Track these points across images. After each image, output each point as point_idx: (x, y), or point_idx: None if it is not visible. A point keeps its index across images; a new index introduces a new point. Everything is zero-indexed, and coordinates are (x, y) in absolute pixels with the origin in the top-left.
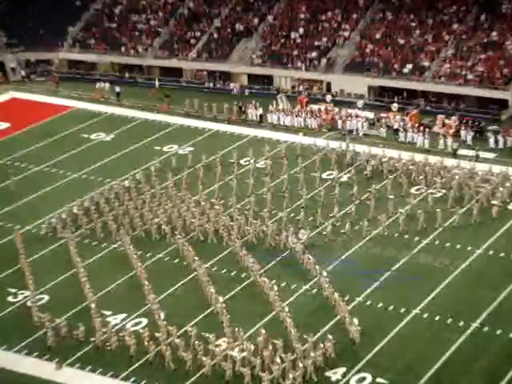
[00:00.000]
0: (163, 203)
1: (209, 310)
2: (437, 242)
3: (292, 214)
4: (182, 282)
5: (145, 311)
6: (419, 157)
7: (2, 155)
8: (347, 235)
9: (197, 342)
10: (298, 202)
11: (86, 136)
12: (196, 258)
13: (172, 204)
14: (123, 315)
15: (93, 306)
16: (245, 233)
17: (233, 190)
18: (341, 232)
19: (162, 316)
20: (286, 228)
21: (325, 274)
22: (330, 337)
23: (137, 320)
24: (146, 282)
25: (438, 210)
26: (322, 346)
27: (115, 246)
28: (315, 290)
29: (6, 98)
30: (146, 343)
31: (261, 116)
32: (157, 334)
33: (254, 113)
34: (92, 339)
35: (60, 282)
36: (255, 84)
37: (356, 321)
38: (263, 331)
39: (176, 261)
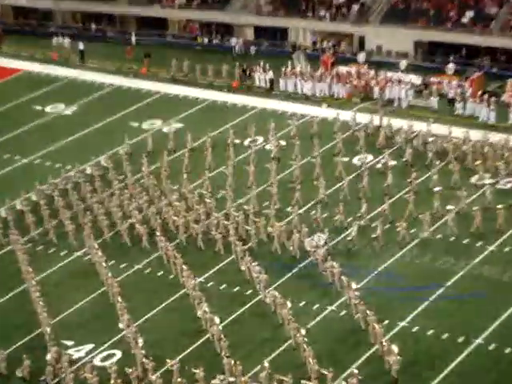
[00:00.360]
0: (137, 197)
1: (201, 338)
2: (506, 249)
3: (306, 212)
4: (167, 301)
5: (119, 339)
6: (478, 135)
7: None
8: (378, 240)
9: (179, 380)
10: (316, 198)
11: (38, 108)
12: (185, 267)
13: (149, 197)
14: (89, 346)
15: (48, 330)
16: (247, 235)
17: (229, 180)
18: (372, 236)
19: (140, 343)
20: (297, 229)
21: (354, 286)
22: (356, 371)
23: (108, 352)
24: (119, 300)
25: (500, 206)
26: None
27: (78, 253)
28: (343, 311)
29: None
30: (112, 382)
31: (271, 81)
32: (128, 370)
33: (262, 77)
34: (41, 378)
35: (3, 302)
36: (264, 39)
37: (396, 349)
38: (266, 364)
39: (159, 273)
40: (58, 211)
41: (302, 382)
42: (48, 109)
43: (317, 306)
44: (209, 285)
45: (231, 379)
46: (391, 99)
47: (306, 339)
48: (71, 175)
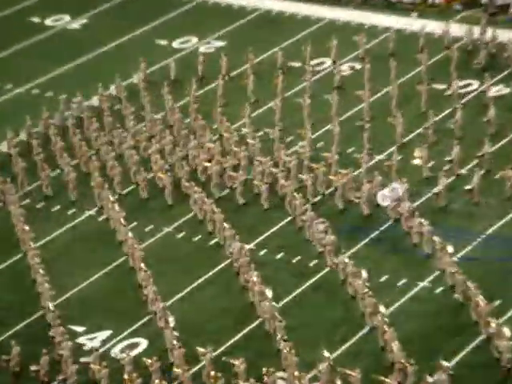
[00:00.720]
0: (157, 136)
1: (248, 319)
2: None
3: (379, 157)
4: (206, 274)
5: (145, 324)
6: None
7: None
8: (474, 194)
9: (212, 374)
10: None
11: (36, 21)
12: (226, 225)
13: (173, 137)
14: (106, 333)
15: (50, 306)
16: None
17: (277, 116)
18: (465, 188)
19: (172, 322)
20: (367, 179)
21: (451, 250)
22: (327, 355)
23: (130, 340)
24: (143, 267)
25: None
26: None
27: (91, 212)
28: (439, 288)
29: None
30: (126, 377)
31: None
32: (147, 361)
33: None
34: (33, 368)
35: None
36: None
37: (508, 332)
38: (327, 354)
39: (196, 238)
40: (54, 156)
41: (376, 377)
42: (49, 21)
43: (403, 280)
44: (261, 253)
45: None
46: (506, 4)
47: (386, 319)
48: (72, 107)
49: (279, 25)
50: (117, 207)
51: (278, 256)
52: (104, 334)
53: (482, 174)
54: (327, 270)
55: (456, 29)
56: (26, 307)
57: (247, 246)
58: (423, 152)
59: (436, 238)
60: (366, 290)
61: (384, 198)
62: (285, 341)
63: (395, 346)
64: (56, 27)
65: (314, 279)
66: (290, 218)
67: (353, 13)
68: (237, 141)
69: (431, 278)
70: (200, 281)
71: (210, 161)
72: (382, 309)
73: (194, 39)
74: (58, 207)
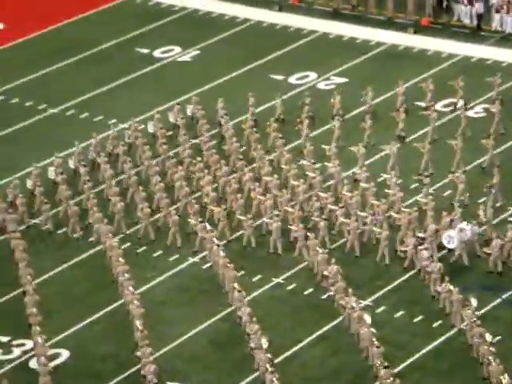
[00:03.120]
0: (213, 167)
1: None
2: None
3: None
4: (318, 331)
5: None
6: None
7: None
8: None
9: None
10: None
11: (144, 52)
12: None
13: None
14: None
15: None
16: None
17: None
18: None
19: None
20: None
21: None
22: None
23: None
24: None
25: None
26: None
27: (195, 259)
28: None
29: None
30: None
31: (479, 17)
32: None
33: (466, 11)
34: None
35: None
36: None
37: None
38: None
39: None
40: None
41: None
42: (157, 53)
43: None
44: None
45: None
46: None
47: (493, 349)
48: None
49: (406, 61)
50: (222, 253)
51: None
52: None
53: None
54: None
55: None
56: (123, 358)
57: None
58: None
59: None
60: (475, 318)
61: (450, 239)
62: (386, 367)
63: (504, 379)
64: (165, 58)
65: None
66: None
67: (491, 49)
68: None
69: None
70: (311, 338)
71: (264, 194)
72: (488, 337)
73: (313, 75)
74: (160, 252)
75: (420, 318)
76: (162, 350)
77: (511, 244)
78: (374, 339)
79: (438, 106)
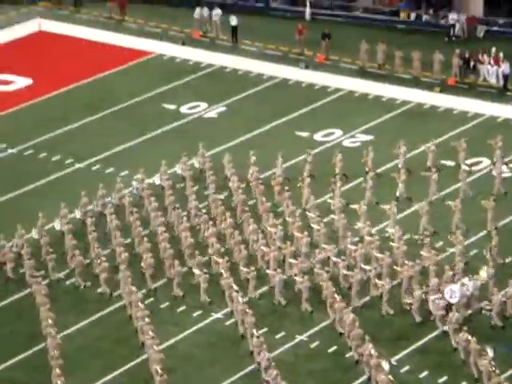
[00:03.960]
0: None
1: None
2: None
3: None
4: None
5: None
6: None
7: (14, 139)
8: None
9: None
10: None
11: (171, 108)
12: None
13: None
14: None
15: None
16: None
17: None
18: None
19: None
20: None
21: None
22: None
23: None
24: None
25: None
26: None
27: (218, 315)
28: None
29: (29, 28)
30: None
31: (506, 78)
32: None
33: (492, 71)
34: None
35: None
36: (498, 15)
37: None
38: None
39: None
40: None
41: None
42: (184, 109)
43: None
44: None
45: None
46: None
47: None
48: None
49: (431, 119)
50: (240, 299)
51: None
52: None
53: None
54: None
55: None
56: None
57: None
58: None
59: None
60: (493, 368)
61: (452, 293)
62: None
63: None
64: (191, 114)
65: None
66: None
67: None
68: (299, 226)
69: None
70: None
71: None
72: None
73: (338, 132)
74: (184, 307)
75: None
76: None
77: None
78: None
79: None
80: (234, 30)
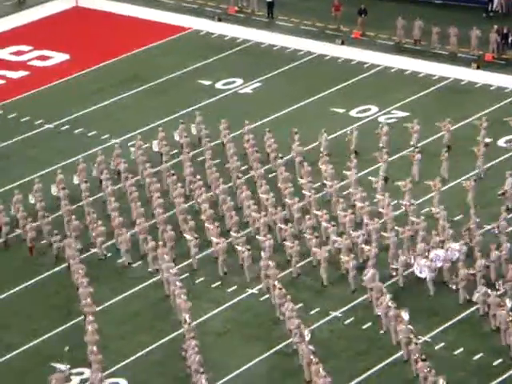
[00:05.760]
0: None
1: None
2: None
3: None
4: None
5: None
6: None
7: (50, 114)
8: None
9: None
10: None
11: (206, 83)
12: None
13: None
14: None
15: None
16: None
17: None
18: None
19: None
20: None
21: None
22: None
23: None
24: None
25: None
26: None
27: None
28: None
29: (66, 4)
30: None
31: None
32: None
33: None
34: None
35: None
36: None
37: None
38: None
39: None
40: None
41: None
42: (219, 84)
43: None
44: None
45: None
46: None
47: None
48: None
49: (468, 96)
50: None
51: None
52: None
53: None
54: None
55: None
56: None
57: None
58: None
59: None
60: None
61: (437, 257)
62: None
63: None
64: (227, 90)
65: None
66: None
67: None
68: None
69: None
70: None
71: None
72: None
73: (374, 108)
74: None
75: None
76: (218, 382)
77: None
78: (412, 335)
79: (500, 142)
80: (270, 5)
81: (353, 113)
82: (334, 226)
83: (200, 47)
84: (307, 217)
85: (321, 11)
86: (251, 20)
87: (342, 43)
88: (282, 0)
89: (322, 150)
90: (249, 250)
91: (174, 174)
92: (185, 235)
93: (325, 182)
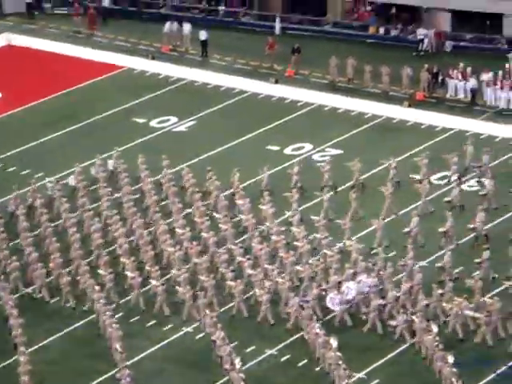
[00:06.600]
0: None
1: None
2: None
3: None
4: None
5: None
6: None
7: None
8: None
9: None
10: None
11: (140, 121)
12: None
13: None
14: None
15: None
16: None
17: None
18: None
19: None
20: None
21: None
22: None
23: None
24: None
25: None
26: None
27: (188, 329)
28: None
29: None
30: None
31: (474, 92)
32: None
33: (460, 86)
34: None
35: None
36: (465, 31)
37: None
38: None
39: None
40: None
41: None
42: (154, 123)
43: None
44: None
45: None
46: None
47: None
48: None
49: (400, 133)
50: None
51: None
52: None
53: None
54: None
55: None
56: None
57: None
58: None
59: None
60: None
61: (349, 290)
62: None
63: None
64: (161, 128)
65: None
66: None
67: (485, 123)
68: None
69: None
70: None
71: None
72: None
73: (308, 146)
74: (154, 322)
75: None
76: None
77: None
78: (340, 362)
79: (432, 179)
80: (204, 44)
81: (287, 151)
82: (249, 259)
83: (134, 85)
84: (222, 250)
85: (254, 50)
86: (185, 58)
87: (276, 82)
88: (216, 39)
89: (262, 186)
90: (163, 284)
91: (90, 210)
92: (99, 271)
93: (240, 216)
